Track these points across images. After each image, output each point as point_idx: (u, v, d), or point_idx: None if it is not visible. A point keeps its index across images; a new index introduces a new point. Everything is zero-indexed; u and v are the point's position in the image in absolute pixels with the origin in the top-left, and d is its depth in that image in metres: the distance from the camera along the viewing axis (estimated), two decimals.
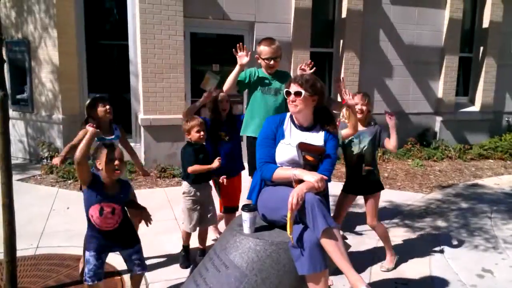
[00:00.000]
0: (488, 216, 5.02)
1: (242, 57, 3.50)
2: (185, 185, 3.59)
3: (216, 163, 3.49)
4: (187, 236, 3.67)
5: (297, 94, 2.67)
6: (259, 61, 3.57)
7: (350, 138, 3.46)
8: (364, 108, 3.49)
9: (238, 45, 3.55)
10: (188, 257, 3.65)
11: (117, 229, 2.73)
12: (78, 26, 7.00)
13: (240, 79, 3.54)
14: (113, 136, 3.43)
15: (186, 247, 3.68)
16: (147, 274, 3.45)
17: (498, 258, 3.92)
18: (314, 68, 3.59)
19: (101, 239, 2.70)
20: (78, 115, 7.14)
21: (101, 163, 2.68)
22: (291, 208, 2.33)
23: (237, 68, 3.50)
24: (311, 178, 2.50)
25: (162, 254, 3.83)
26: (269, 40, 3.51)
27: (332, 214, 3.62)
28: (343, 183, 3.66)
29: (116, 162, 2.65)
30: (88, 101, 3.51)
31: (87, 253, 2.70)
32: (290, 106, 2.72)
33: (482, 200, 5.64)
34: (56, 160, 3.22)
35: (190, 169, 3.49)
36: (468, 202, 5.55)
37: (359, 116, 3.46)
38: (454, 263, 3.76)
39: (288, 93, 2.71)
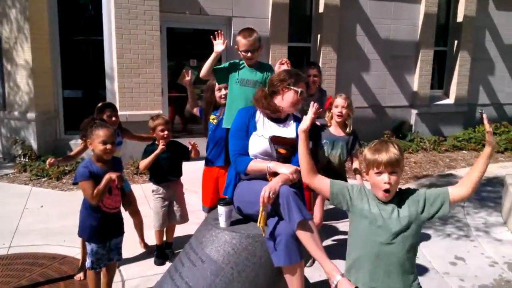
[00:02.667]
0: (461, 205, 5.15)
1: (218, 45, 3.48)
2: (153, 184, 3.61)
3: (160, 146, 3.47)
4: (160, 234, 3.67)
5: (302, 94, 2.73)
6: (238, 52, 3.55)
7: (323, 141, 3.47)
8: (344, 111, 3.41)
9: (216, 32, 3.53)
10: (162, 255, 3.65)
11: (117, 214, 2.84)
12: (51, 22, 6.85)
13: (218, 67, 3.54)
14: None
15: (159, 246, 3.68)
16: (123, 270, 3.44)
17: (470, 246, 4.04)
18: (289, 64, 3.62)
19: (104, 226, 2.76)
20: (52, 112, 7.02)
21: (92, 144, 2.71)
22: (263, 202, 2.35)
23: (212, 55, 3.48)
24: (286, 170, 2.52)
25: (138, 250, 3.81)
26: (247, 32, 3.48)
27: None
28: None
29: (109, 146, 2.68)
30: (98, 105, 3.67)
31: (92, 245, 2.77)
32: (292, 108, 2.75)
33: None
34: (50, 160, 3.20)
35: (141, 166, 3.52)
36: None
37: (338, 119, 3.44)
38: (427, 251, 3.86)
39: (302, 94, 2.72)
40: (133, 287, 3.21)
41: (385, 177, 1.86)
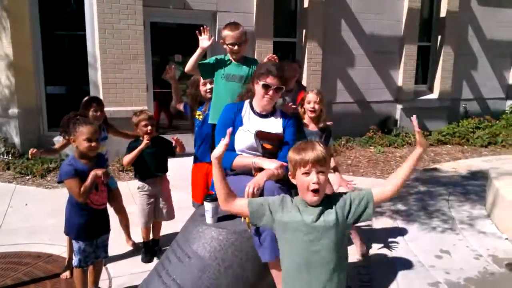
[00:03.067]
0: (446, 199, 5.22)
1: (204, 40, 3.44)
2: (139, 181, 3.56)
3: (144, 141, 3.43)
4: (146, 232, 3.63)
5: (278, 90, 2.68)
6: (224, 46, 3.51)
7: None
8: (316, 106, 3.34)
9: (202, 27, 3.49)
10: (149, 252, 3.62)
11: (104, 210, 2.81)
12: (32, 16, 6.70)
13: (203, 62, 3.50)
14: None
15: (146, 243, 3.64)
16: (110, 267, 3.39)
17: (455, 239, 4.08)
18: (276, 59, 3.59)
19: (92, 223, 2.73)
20: (34, 108, 6.88)
21: (76, 141, 2.67)
22: (247, 197, 2.33)
23: (198, 50, 3.44)
24: (271, 165, 2.51)
25: (125, 248, 3.76)
26: (233, 25, 3.46)
27: None
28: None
29: (93, 143, 2.65)
30: (84, 99, 3.64)
31: (80, 243, 2.73)
32: (266, 98, 2.70)
33: (440, 183, 5.86)
34: (33, 150, 3.18)
35: (124, 161, 3.48)
36: (426, 186, 5.75)
37: (311, 115, 3.38)
38: (413, 245, 3.90)
39: (267, 87, 2.68)
40: (120, 285, 3.17)
41: (313, 177, 1.77)
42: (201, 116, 3.72)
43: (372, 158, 7.23)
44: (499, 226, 4.31)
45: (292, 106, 3.43)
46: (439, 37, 9.51)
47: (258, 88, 2.73)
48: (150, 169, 3.51)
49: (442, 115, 9.55)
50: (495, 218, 4.46)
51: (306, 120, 3.45)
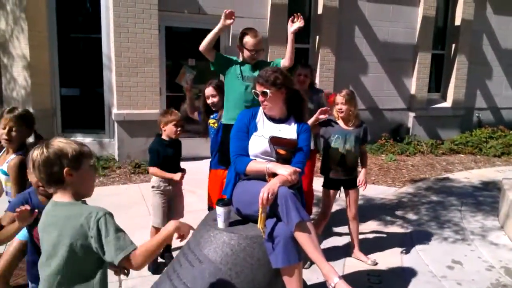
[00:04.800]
0: (458, 209, 5.16)
1: (229, 17, 3.44)
2: (154, 179, 3.55)
3: (178, 175, 3.43)
4: (156, 232, 3.62)
5: (264, 94, 2.68)
6: (243, 53, 3.53)
7: (335, 136, 3.52)
8: (343, 107, 3.55)
9: (229, 11, 3.49)
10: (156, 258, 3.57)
11: None
12: (49, 19, 6.82)
13: (221, 54, 3.53)
14: None
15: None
16: None
17: (467, 249, 4.04)
18: (301, 20, 3.67)
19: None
20: (49, 109, 6.98)
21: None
22: (262, 203, 2.34)
23: (219, 25, 3.44)
24: (284, 171, 2.51)
25: None
26: (254, 32, 3.49)
27: (320, 211, 3.72)
28: (323, 179, 3.71)
29: None
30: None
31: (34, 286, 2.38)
32: (262, 106, 2.74)
33: (452, 193, 5.80)
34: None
35: (151, 171, 3.47)
36: (438, 195, 5.69)
37: (341, 115, 3.59)
38: (424, 255, 3.86)
39: (256, 94, 2.72)
40: (130, 287, 3.19)
41: None
42: (215, 124, 3.75)
43: (383, 166, 7.19)
44: None
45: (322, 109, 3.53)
46: (453, 45, 9.45)
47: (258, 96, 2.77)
48: (168, 170, 3.49)
49: (455, 124, 9.47)
50: (508, 230, 4.40)
51: (340, 121, 3.62)
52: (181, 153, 3.64)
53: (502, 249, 4.06)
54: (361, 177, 3.63)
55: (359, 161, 3.74)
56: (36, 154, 1.64)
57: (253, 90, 2.77)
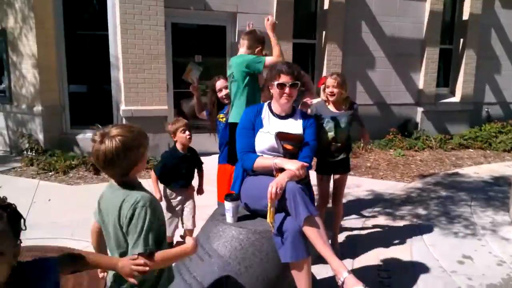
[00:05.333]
0: (468, 204, 5.11)
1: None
2: (163, 188, 3.46)
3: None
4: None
5: (294, 86, 2.67)
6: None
7: (326, 120, 3.47)
8: (335, 90, 3.45)
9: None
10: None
11: None
12: (56, 17, 6.85)
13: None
14: None
15: None
16: None
17: (478, 244, 4.00)
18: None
19: None
20: (58, 106, 7.02)
21: None
22: (270, 197, 2.33)
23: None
24: (292, 166, 2.50)
25: None
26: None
27: (318, 197, 3.67)
28: (316, 164, 3.63)
29: None
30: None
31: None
32: (284, 97, 2.70)
33: (462, 188, 5.75)
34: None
35: (151, 175, 3.40)
36: (448, 190, 5.65)
37: (331, 98, 3.51)
38: (434, 250, 3.83)
39: (282, 85, 2.68)
40: None
41: None
42: (224, 119, 3.74)
43: (392, 161, 7.15)
44: None
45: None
46: (461, 40, 9.35)
47: (274, 90, 2.73)
48: (181, 178, 3.43)
49: (464, 118, 9.39)
50: None
51: (330, 105, 3.56)
52: (197, 164, 3.56)
53: None
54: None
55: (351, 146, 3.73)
56: (109, 145, 1.61)
57: (275, 82, 2.71)
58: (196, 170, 3.59)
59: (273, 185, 2.35)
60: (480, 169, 6.83)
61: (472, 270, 3.49)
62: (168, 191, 3.48)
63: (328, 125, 3.49)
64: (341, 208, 3.71)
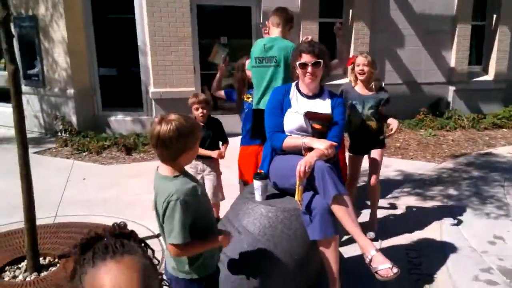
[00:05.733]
0: (501, 184, 4.99)
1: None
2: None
3: (215, 152, 3.43)
4: None
5: (316, 65, 2.65)
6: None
7: (354, 102, 3.45)
8: (365, 68, 3.42)
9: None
10: None
11: None
12: (85, 1, 6.95)
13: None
14: None
15: None
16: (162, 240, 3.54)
17: (510, 225, 3.92)
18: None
19: None
20: (89, 89, 7.19)
21: None
22: (299, 175, 2.35)
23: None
24: (321, 145, 2.51)
25: None
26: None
27: (348, 176, 3.67)
28: (349, 143, 3.66)
29: None
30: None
31: None
32: (307, 77, 2.69)
33: (495, 169, 5.60)
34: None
35: None
36: (480, 171, 5.51)
37: (361, 77, 3.47)
38: (465, 230, 3.78)
39: (304, 65, 2.67)
40: None
41: None
42: (250, 99, 3.74)
43: (422, 141, 7.01)
44: None
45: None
46: (495, 16, 8.96)
47: (298, 70, 2.72)
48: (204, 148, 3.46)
49: (497, 97, 9.07)
50: None
51: (358, 84, 3.52)
52: (220, 132, 3.60)
53: None
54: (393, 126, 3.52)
55: (384, 127, 3.65)
56: (165, 129, 1.70)
57: (297, 63, 2.69)
58: (220, 143, 3.64)
59: (302, 164, 2.37)
60: None
61: (503, 251, 3.43)
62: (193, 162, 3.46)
63: (355, 108, 3.47)
64: (378, 186, 3.64)
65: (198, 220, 1.78)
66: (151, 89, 6.84)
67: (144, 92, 7.18)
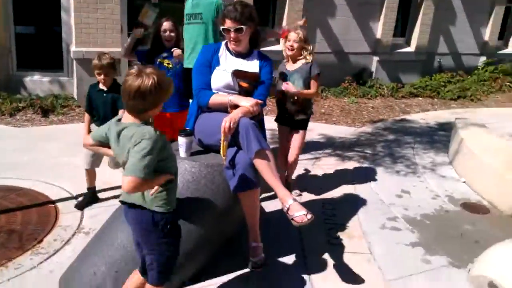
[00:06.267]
0: (411, 146, 5.46)
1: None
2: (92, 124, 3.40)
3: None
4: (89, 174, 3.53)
5: (238, 31, 2.68)
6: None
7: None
8: (295, 45, 3.45)
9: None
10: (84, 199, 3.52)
11: None
12: None
13: None
14: None
15: (90, 188, 3.54)
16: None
17: (416, 181, 4.34)
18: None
19: None
20: (4, 47, 6.65)
21: None
22: (224, 131, 2.42)
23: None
24: (246, 103, 2.59)
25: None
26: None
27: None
28: (276, 116, 3.76)
29: None
30: None
31: None
32: (231, 44, 2.73)
33: (408, 133, 6.10)
34: None
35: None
36: (394, 134, 5.98)
37: (289, 52, 3.50)
38: (376, 186, 4.13)
39: (227, 31, 2.70)
40: (93, 216, 3.29)
41: None
42: (170, 65, 3.67)
43: (345, 108, 7.39)
44: (458, 171, 4.58)
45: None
46: None
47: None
48: (102, 115, 3.30)
49: (417, 68, 9.70)
50: (455, 164, 4.73)
51: (288, 62, 3.58)
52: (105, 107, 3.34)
53: (448, 181, 4.39)
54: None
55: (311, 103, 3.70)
56: (147, 82, 1.73)
57: (221, 27, 2.71)
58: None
59: (227, 120, 2.43)
60: (427, 116, 7.22)
61: (409, 202, 3.82)
62: (95, 126, 3.33)
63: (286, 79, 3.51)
64: (295, 162, 3.69)
65: (159, 164, 1.83)
66: (73, 48, 6.48)
67: (65, 52, 6.79)
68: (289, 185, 3.72)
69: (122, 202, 2.00)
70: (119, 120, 1.89)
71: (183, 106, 3.69)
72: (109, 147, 1.99)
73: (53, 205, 3.41)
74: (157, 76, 1.76)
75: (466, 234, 3.33)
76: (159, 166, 1.84)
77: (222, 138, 2.45)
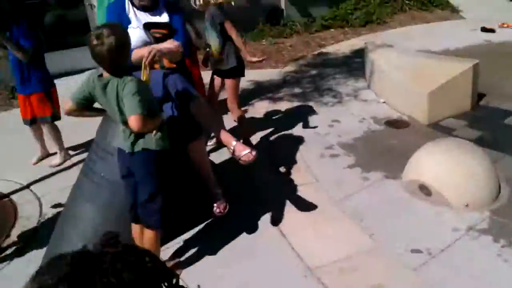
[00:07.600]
0: (333, 77, 5.77)
1: None
2: None
3: None
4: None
5: None
6: None
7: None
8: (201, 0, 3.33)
9: None
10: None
11: None
12: None
13: None
14: None
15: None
16: (35, 188, 3.38)
17: (343, 109, 4.68)
18: None
19: None
20: None
21: None
22: (146, 57, 2.30)
23: None
24: (169, 44, 2.49)
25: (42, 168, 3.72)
26: None
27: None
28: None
29: None
30: None
31: None
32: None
33: (328, 65, 6.40)
34: None
35: None
36: (316, 69, 6.25)
37: (196, 7, 3.40)
38: (309, 119, 4.40)
39: None
40: (50, 202, 3.22)
41: None
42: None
43: (265, 51, 7.48)
44: (377, 92, 4.98)
45: None
46: None
47: None
48: None
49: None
50: (373, 87, 5.11)
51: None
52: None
53: (370, 104, 4.77)
54: (247, 57, 3.57)
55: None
56: (110, 42, 1.91)
57: None
58: None
59: (150, 48, 2.35)
60: (341, 46, 7.57)
61: (340, 130, 4.14)
62: None
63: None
64: (240, 118, 3.59)
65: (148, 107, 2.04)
66: None
67: None
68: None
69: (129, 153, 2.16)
70: (101, 75, 2.05)
71: None
72: (89, 109, 2.18)
73: (7, 198, 3.32)
74: (115, 35, 1.93)
75: (394, 147, 3.72)
76: (149, 111, 2.03)
77: (143, 64, 2.31)
